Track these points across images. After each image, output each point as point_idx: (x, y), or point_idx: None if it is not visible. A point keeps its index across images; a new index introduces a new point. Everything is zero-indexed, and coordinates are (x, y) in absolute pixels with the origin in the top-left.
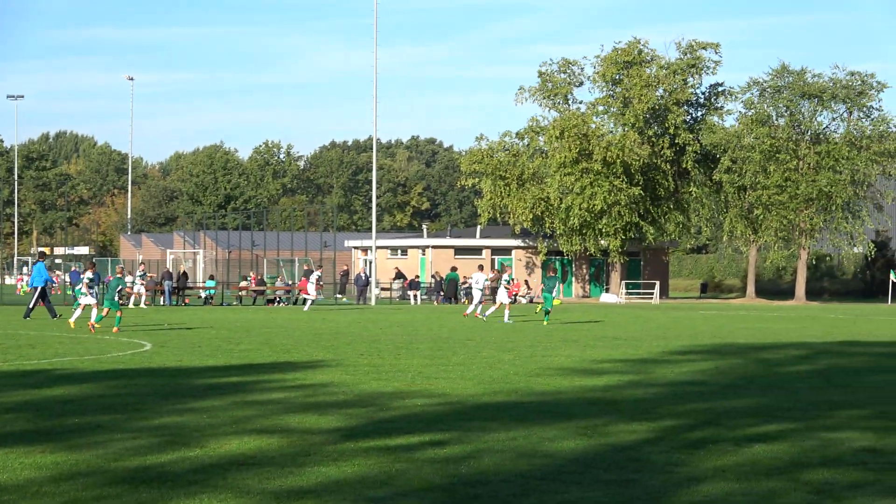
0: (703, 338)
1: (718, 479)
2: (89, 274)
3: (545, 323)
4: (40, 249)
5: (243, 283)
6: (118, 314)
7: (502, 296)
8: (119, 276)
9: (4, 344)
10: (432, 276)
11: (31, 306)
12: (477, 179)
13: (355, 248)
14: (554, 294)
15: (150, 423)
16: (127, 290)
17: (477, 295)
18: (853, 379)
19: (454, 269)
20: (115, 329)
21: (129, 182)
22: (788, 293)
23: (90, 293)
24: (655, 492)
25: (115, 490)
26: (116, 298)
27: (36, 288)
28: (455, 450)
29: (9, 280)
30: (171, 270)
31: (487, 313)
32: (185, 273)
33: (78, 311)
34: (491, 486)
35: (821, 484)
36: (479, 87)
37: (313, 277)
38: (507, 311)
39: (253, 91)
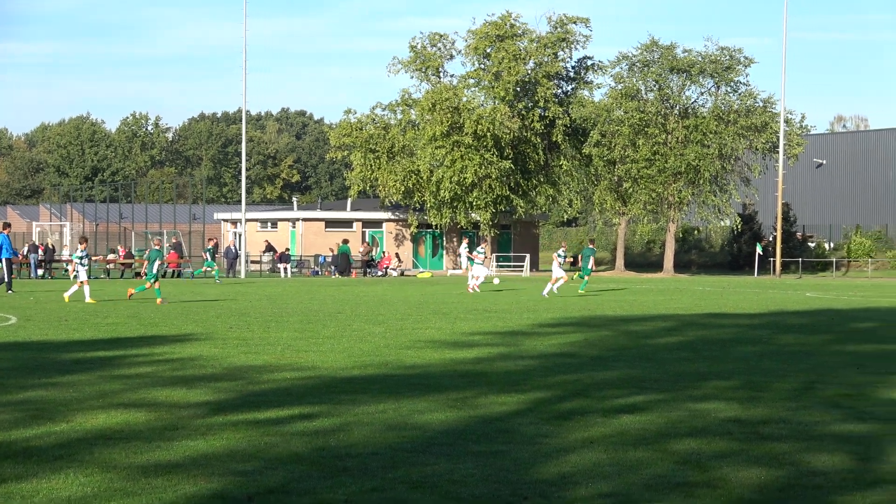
0: (573, 310)
1: (587, 449)
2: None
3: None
4: (5, 221)
5: (111, 256)
6: None
7: (480, 270)
8: None
9: None
10: (330, 249)
11: (7, 280)
12: (347, 152)
13: (225, 220)
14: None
15: (14, 398)
16: None
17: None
18: (720, 350)
19: (346, 241)
20: None
21: None
22: (657, 266)
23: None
24: (525, 463)
25: None
26: None
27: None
28: (325, 423)
29: None
30: (37, 243)
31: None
32: (52, 247)
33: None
34: (360, 459)
35: (687, 454)
36: (351, 60)
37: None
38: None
39: (121, 62)
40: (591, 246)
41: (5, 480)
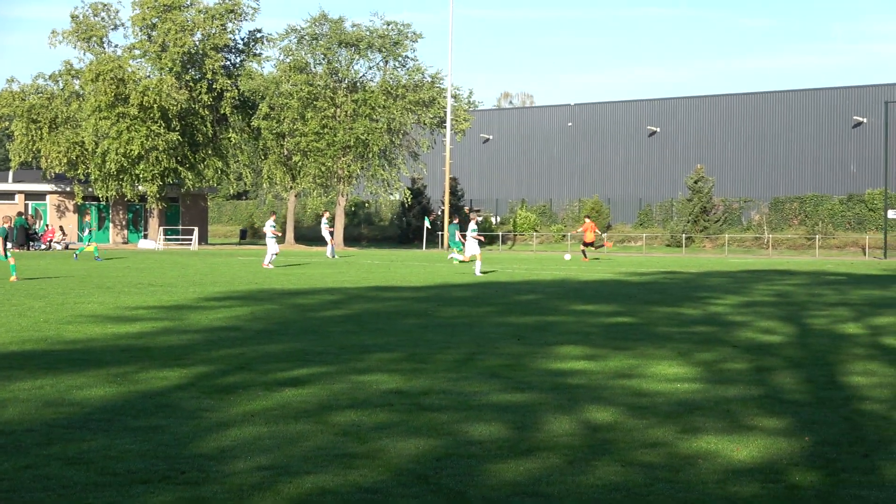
0: (240, 284)
1: (248, 423)
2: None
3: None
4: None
5: None
6: None
7: (472, 247)
8: None
9: None
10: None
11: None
12: (8, 123)
13: None
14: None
15: None
16: None
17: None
18: (385, 323)
19: (20, 213)
20: None
21: None
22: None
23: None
24: (184, 437)
25: None
26: None
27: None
28: None
29: None
30: None
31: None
32: None
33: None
34: (15, 436)
35: (348, 425)
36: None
37: None
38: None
39: None
40: (455, 221)
41: None
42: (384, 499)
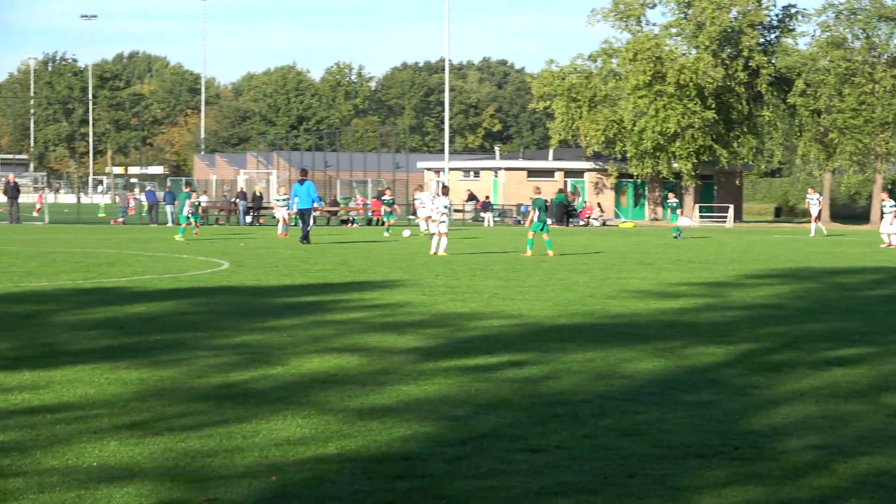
0: (778, 262)
1: (797, 401)
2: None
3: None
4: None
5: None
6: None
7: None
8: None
9: (85, 262)
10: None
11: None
12: (548, 102)
13: (427, 169)
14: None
15: (231, 341)
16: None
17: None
18: None
19: (560, 191)
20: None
21: (203, 102)
22: (863, 217)
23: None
24: (734, 413)
25: (201, 406)
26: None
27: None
28: (533, 370)
29: (84, 199)
30: (244, 190)
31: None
32: (259, 194)
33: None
34: (570, 406)
35: None
36: (551, 9)
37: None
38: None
39: (325, 12)
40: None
41: (227, 421)
42: None
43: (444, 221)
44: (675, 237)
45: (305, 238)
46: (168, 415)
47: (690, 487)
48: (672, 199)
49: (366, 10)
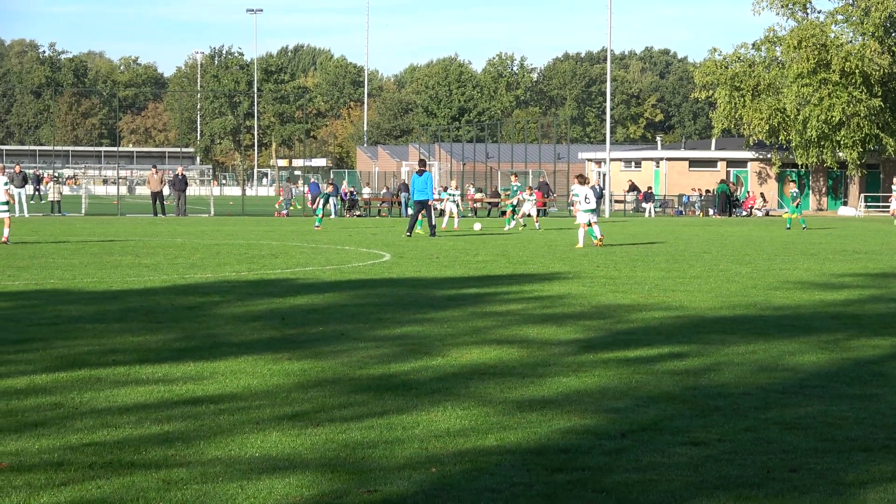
0: None
1: None
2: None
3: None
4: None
5: (478, 195)
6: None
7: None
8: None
9: (249, 254)
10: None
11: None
12: (711, 91)
13: (589, 160)
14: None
15: (391, 333)
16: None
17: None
18: None
19: (722, 181)
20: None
21: (365, 95)
22: None
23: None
24: None
25: (361, 397)
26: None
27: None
28: (694, 362)
29: (249, 191)
30: (407, 183)
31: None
32: None
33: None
34: (732, 399)
35: None
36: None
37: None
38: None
39: (487, 3)
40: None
41: (387, 412)
42: None
43: (591, 210)
44: (788, 228)
45: (431, 232)
46: (329, 406)
47: (855, 482)
48: (793, 189)
49: (528, 1)
